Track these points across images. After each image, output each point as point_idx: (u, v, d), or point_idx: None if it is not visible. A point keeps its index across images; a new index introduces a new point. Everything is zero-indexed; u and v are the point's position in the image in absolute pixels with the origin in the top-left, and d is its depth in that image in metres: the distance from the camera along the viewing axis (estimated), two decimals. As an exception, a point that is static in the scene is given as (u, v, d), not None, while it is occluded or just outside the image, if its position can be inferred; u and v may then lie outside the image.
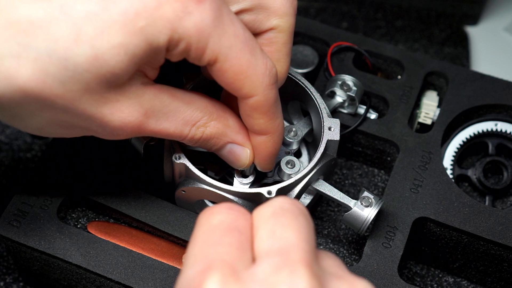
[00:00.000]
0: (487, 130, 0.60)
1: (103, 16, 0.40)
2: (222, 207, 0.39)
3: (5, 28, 0.40)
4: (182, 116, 0.46)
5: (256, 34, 0.48)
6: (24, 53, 0.40)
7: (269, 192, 0.50)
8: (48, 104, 0.41)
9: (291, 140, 0.55)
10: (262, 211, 0.39)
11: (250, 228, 0.39)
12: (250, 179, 0.53)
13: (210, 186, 0.50)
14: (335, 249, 0.58)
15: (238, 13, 0.46)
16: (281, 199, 0.40)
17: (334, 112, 0.59)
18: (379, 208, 0.52)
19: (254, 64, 0.44)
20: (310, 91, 0.54)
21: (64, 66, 0.40)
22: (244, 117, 0.47)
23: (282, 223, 0.38)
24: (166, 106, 0.45)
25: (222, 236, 0.38)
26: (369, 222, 0.52)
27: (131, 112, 0.43)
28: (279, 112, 0.47)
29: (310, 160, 0.57)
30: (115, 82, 0.41)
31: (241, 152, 0.49)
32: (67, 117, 0.43)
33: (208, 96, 0.48)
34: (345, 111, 0.59)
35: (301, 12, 0.77)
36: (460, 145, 0.60)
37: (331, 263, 0.39)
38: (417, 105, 0.61)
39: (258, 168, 0.51)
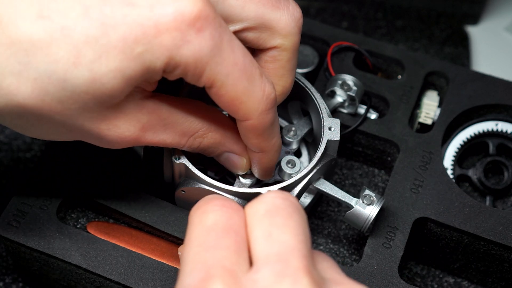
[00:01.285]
0: (487, 130, 0.60)
1: (103, 41, 0.40)
2: (215, 205, 0.39)
3: (7, 46, 0.40)
4: (180, 128, 0.46)
5: (260, 50, 0.48)
6: (24, 72, 0.41)
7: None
8: (46, 118, 0.42)
9: (291, 140, 0.55)
10: (254, 208, 0.39)
11: (244, 225, 0.39)
12: (252, 179, 0.53)
13: (210, 186, 0.50)
14: (335, 249, 0.58)
15: (241, 31, 0.46)
16: (273, 194, 0.39)
17: (334, 112, 0.59)
18: (381, 206, 0.52)
19: (250, 90, 0.44)
20: (310, 91, 0.54)
21: (62, 87, 0.41)
22: (241, 135, 0.48)
23: (277, 223, 0.38)
24: (164, 120, 0.45)
25: (218, 239, 0.37)
26: (371, 220, 0.52)
27: (128, 128, 0.44)
28: (275, 133, 0.48)
29: (310, 160, 0.57)
30: (111, 102, 0.42)
31: (238, 161, 0.50)
32: (65, 129, 0.44)
33: (206, 105, 0.48)
34: (345, 111, 0.59)
35: (301, 11, 0.77)
36: (460, 145, 0.60)
37: (326, 265, 0.39)
38: (417, 105, 0.61)
39: (256, 176, 0.52)
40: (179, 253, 0.46)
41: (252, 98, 0.44)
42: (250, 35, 0.47)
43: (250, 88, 0.44)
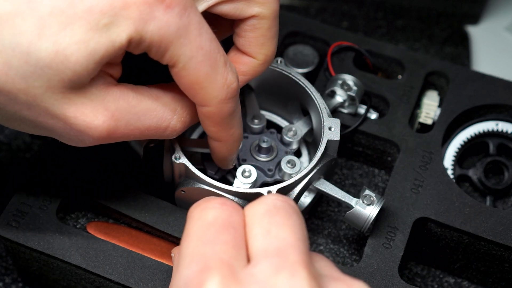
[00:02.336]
0: (488, 130, 0.60)
1: (68, 12, 0.40)
2: (215, 202, 0.40)
3: None
4: (154, 113, 0.45)
5: (239, 20, 0.47)
6: None
7: (269, 192, 0.49)
8: (11, 98, 0.41)
9: (290, 140, 0.55)
10: (254, 208, 0.39)
11: (243, 224, 0.39)
12: (252, 179, 0.52)
13: (209, 186, 0.50)
14: (335, 249, 0.58)
15: (216, 4, 0.46)
16: (273, 197, 0.40)
17: (334, 112, 0.58)
18: (381, 206, 0.52)
19: (212, 77, 0.43)
20: (310, 91, 0.54)
21: (26, 60, 0.40)
22: (200, 120, 0.47)
23: (276, 222, 0.38)
24: (134, 106, 0.44)
25: (217, 234, 0.38)
26: (371, 220, 0.52)
27: (95, 116, 0.42)
28: (234, 123, 0.47)
29: (310, 160, 0.57)
30: (76, 81, 0.41)
31: None
32: (31, 115, 0.42)
33: (173, 84, 0.47)
34: (345, 111, 0.59)
35: (301, 11, 0.77)
36: (461, 145, 0.60)
37: (324, 264, 0.39)
38: (417, 105, 0.61)
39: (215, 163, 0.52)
40: (172, 254, 0.46)
41: (213, 85, 0.43)
42: (226, 7, 0.46)
43: (212, 74, 0.43)
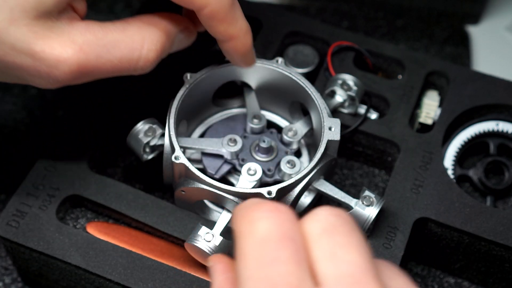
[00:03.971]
0: (488, 130, 0.60)
1: None
2: (263, 210, 0.35)
3: None
4: (123, 44, 0.45)
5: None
6: None
7: (269, 192, 0.49)
8: None
9: (291, 140, 0.55)
10: (309, 226, 0.35)
11: (297, 229, 0.35)
12: (257, 176, 0.52)
13: (209, 186, 0.50)
14: (335, 249, 0.57)
15: None
16: (325, 212, 0.36)
17: (334, 112, 0.58)
18: (380, 207, 0.52)
19: None
20: (310, 91, 0.54)
21: None
22: (207, 28, 0.47)
23: (339, 243, 0.35)
24: (101, 39, 0.44)
25: (276, 251, 0.34)
26: (371, 221, 0.51)
27: (63, 48, 0.42)
28: (238, 16, 0.47)
29: (310, 160, 0.57)
30: (39, 10, 0.41)
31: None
32: None
33: (137, 17, 0.47)
34: (345, 111, 0.59)
35: (301, 11, 0.77)
36: (461, 145, 0.60)
37: (390, 275, 0.36)
38: (418, 105, 0.61)
39: (240, 66, 0.52)
40: (211, 263, 0.40)
41: None
42: None
43: None
